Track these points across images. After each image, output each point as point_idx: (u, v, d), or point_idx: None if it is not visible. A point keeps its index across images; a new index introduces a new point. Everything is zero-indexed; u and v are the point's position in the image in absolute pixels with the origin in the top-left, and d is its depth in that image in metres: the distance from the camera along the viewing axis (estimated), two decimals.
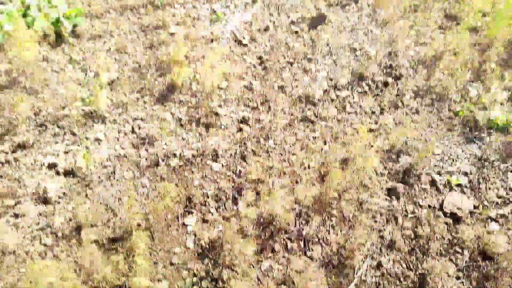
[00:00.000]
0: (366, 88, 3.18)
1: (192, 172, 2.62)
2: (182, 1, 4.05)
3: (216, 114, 2.92)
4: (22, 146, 2.63)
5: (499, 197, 2.61)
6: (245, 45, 3.61)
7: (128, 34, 3.63)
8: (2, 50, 3.32)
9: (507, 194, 2.61)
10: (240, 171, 2.63)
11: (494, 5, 3.88)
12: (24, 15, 3.49)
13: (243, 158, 2.71)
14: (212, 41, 3.61)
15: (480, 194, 2.65)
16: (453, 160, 2.73)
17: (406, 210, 2.54)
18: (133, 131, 2.80)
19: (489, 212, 2.58)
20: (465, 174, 2.68)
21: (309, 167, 2.66)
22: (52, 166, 2.55)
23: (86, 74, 3.20)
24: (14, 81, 3.05)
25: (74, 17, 3.50)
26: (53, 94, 2.98)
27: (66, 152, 2.63)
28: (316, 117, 2.97)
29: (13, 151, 2.61)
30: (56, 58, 3.30)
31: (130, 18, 3.81)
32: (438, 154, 2.75)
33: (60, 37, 3.47)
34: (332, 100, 3.09)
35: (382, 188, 2.61)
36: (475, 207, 2.61)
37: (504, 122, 2.86)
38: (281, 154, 2.72)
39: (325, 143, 2.82)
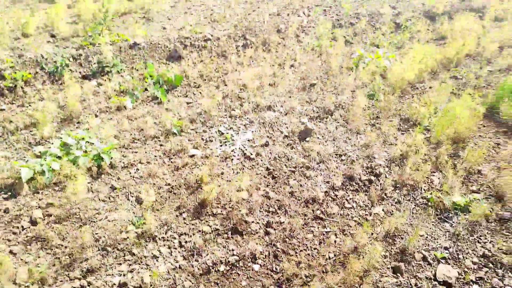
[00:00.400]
0: (356, 186, 4.04)
1: (238, 274, 3.17)
2: (193, 127, 4.94)
3: (246, 221, 3.58)
4: (90, 271, 3.08)
5: (475, 263, 3.36)
6: (253, 159, 4.45)
7: (155, 160, 4.36)
8: (52, 186, 3.89)
9: (479, 260, 3.38)
10: (276, 269, 3.22)
11: (436, 111, 5.13)
12: (66, 154, 4.15)
13: (276, 257, 3.32)
14: (226, 159, 4.42)
15: (460, 263, 3.39)
16: (434, 238, 3.52)
17: (410, 284, 3.20)
18: (181, 245, 3.36)
19: (470, 277, 3.30)
20: (446, 248, 3.45)
21: (329, 258, 3.32)
22: (122, 285, 3.00)
23: (128, 199, 3.81)
24: (70, 213, 3.58)
25: (109, 152, 4.21)
26: (107, 221, 3.52)
27: (131, 271, 3.11)
28: (324, 215, 3.72)
29: (84, 276, 3.05)
30: (101, 188, 3.90)
31: (153, 146, 4.58)
32: (422, 235, 3.53)
33: (99, 169, 4.12)
34: (333, 199, 3.89)
35: (388, 267, 3.30)
36: (459, 273, 3.33)
37: (464, 203, 3.76)
38: (305, 250, 3.38)
39: (336, 235, 3.53)
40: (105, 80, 5.86)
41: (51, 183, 3.88)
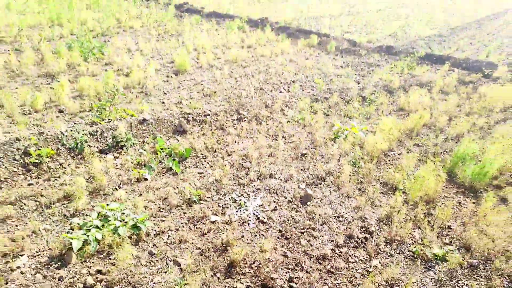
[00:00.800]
0: (355, 243, 4.88)
1: None
2: (209, 195, 5.66)
3: (272, 278, 4.25)
4: None
5: None
6: (266, 223, 5.20)
7: (182, 227, 4.99)
8: (96, 254, 4.39)
9: None
10: None
11: (408, 176, 6.24)
12: (106, 225, 4.70)
13: None
14: (243, 223, 5.14)
15: None
16: (423, 285, 4.36)
17: None
18: None
19: None
20: None
21: None
22: None
23: (167, 263, 4.37)
24: (119, 278, 4.07)
25: (144, 222, 4.81)
26: (153, 283, 4.05)
27: None
28: (334, 269, 4.48)
29: None
30: (140, 255, 4.45)
31: (178, 214, 5.22)
32: (414, 282, 4.37)
33: (137, 237, 4.68)
34: (339, 255, 4.68)
35: None
36: None
37: (442, 254, 4.69)
38: None
39: (346, 286, 4.27)
40: (121, 154, 6.53)
41: (95, 252, 4.38)
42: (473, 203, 5.85)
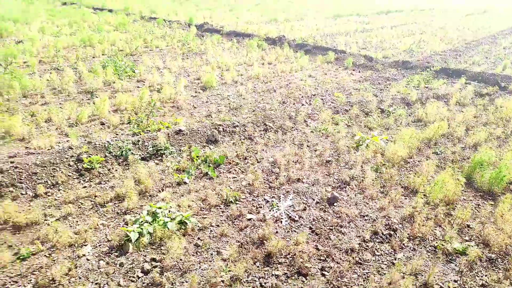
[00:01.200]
0: (381, 239, 5.32)
1: None
2: (244, 196, 6.21)
3: (306, 267, 4.72)
4: None
5: None
6: (297, 221, 5.69)
7: (221, 224, 5.53)
8: (149, 246, 4.96)
9: None
10: None
11: (428, 181, 6.66)
12: (153, 220, 5.28)
13: None
14: (276, 221, 5.64)
15: None
16: (445, 274, 4.74)
17: None
18: (261, 285, 4.43)
19: None
20: (455, 281, 4.67)
21: None
22: None
23: (211, 254, 4.90)
24: (171, 265, 4.62)
25: (189, 218, 5.38)
26: (201, 270, 4.58)
27: None
28: (361, 261, 4.92)
29: None
30: (187, 246, 5.00)
31: (217, 213, 5.77)
32: (436, 273, 4.76)
33: (184, 231, 5.24)
34: (365, 249, 5.11)
35: None
36: None
37: (462, 249, 5.08)
38: (354, 285, 4.50)
39: (374, 275, 4.70)
40: (161, 161, 7.17)
41: (148, 244, 4.95)
42: (491, 205, 6.22)
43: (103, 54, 15.37)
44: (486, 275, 4.73)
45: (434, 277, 4.63)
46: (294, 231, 5.45)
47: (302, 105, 10.64)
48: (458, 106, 11.19)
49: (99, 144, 7.19)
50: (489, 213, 5.95)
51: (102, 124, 8.70)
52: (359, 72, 14.96)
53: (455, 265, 4.89)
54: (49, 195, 5.98)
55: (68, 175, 6.44)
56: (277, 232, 5.39)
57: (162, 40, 18.34)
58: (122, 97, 9.79)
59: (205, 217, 5.62)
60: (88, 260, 4.68)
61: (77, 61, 13.72)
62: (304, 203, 6.13)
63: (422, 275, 4.67)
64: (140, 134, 7.96)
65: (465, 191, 6.62)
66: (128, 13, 28.28)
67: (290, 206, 6.00)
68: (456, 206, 6.08)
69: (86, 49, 15.78)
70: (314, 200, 6.21)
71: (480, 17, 42.78)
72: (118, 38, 17.92)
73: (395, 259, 4.95)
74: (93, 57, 14.86)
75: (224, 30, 22.19)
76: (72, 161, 6.70)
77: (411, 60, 16.73)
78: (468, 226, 5.65)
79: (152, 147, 7.46)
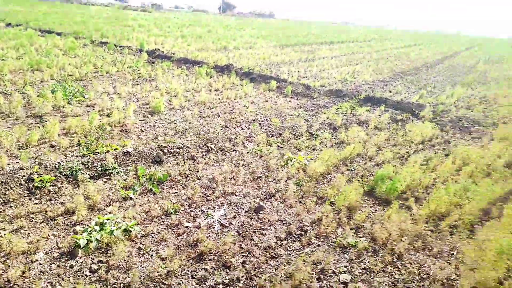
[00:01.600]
0: (294, 238, 6.55)
1: None
2: (183, 209, 7.21)
3: (230, 261, 5.79)
4: None
5: None
6: (227, 226, 6.78)
7: (162, 231, 6.46)
8: (97, 251, 5.78)
9: None
10: (252, 277, 5.42)
11: (338, 192, 8.09)
12: (101, 229, 6.12)
13: (251, 278, 5.53)
14: (210, 227, 6.69)
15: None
16: (338, 262, 6.05)
17: None
18: (192, 277, 5.42)
19: None
20: (345, 266, 5.97)
21: (282, 275, 5.61)
22: None
23: (152, 256, 5.82)
24: (116, 265, 5.48)
25: (133, 227, 6.27)
26: (142, 267, 5.49)
27: None
28: (276, 255, 6.09)
29: None
30: (131, 250, 5.87)
31: (159, 222, 6.71)
32: (332, 260, 6.04)
33: (128, 238, 6.11)
34: (280, 246, 6.31)
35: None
36: None
37: (354, 242, 6.44)
38: (268, 274, 5.64)
39: (284, 265, 5.87)
40: (109, 179, 7.98)
41: (96, 249, 5.78)
42: (383, 209, 7.76)
43: (52, 79, 15.77)
44: (368, 261, 6.09)
45: (330, 264, 5.91)
46: (225, 235, 6.52)
47: (242, 129, 11.93)
48: (375, 130, 13.10)
49: (49, 165, 7.87)
50: (380, 215, 7.45)
51: (52, 146, 9.31)
52: (297, 99, 16.70)
53: (347, 255, 6.22)
54: (0, 212, 6.56)
55: (19, 193, 7.06)
56: (209, 236, 6.44)
57: (113, 65, 19.02)
58: (72, 121, 10.45)
59: (148, 226, 6.53)
60: (40, 264, 5.40)
61: (25, 85, 14.05)
62: (235, 212, 7.25)
63: (321, 264, 5.93)
64: (90, 156, 8.71)
65: (367, 199, 8.13)
66: (78, 37, 28.50)
67: (223, 215, 7.09)
68: (356, 211, 7.52)
69: (34, 73, 16.08)
70: (243, 209, 7.36)
71: (415, 49, 47.85)
72: (67, 63, 18.35)
73: (303, 253, 6.19)
74: (42, 82, 15.23)
75: (175, 56, 23.31)
76: (24, 180, 7.32)
77: (343, 89, 18.86)
78: (363, 226, 7.08)
79: (101, 167, 8.24)
